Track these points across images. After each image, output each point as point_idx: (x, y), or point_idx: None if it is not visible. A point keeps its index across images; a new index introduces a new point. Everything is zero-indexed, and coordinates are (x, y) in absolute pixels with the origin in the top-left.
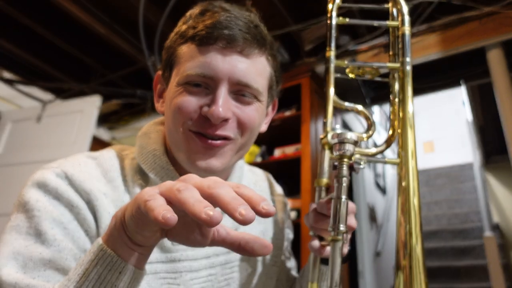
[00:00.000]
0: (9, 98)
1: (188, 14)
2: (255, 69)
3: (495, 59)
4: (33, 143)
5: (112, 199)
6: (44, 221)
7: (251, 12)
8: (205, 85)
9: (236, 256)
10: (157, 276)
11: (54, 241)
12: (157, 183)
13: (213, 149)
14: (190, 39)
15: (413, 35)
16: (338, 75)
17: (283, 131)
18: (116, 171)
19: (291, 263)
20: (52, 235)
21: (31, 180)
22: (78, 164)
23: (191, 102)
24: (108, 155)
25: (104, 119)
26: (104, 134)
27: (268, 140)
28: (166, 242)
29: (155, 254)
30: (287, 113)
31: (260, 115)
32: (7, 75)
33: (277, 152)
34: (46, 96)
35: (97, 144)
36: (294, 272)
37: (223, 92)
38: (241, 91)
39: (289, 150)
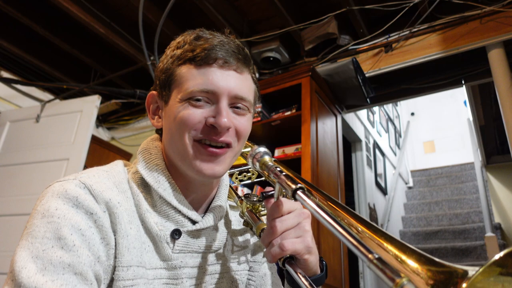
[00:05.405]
0: (8, 98)
1: (179, 40)
2: (246, 84)
3: (496, 59)
4: (32, 143)
5: (125, 208)
6: (63, 227)
7: (233, 37)
8: (206, 99)
9: (222, 268)
10: (161, 282)
11: (73, 246)
12: (158, 194)
13: (216, 157)
14: (189, 61)
15: (413, 34)
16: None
17: (283, 131)
18: (126, 183)
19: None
20: (71, 241)
21: (49, 192)
22: (93, 175)
23: (196, 114)
24: (117, 168)
25: (104, 119)
26: (103, 134)
27: (268, 140)
28: (166, 250)
29: (159, 261)
30: (287, 113)
31: (250, 125)
32: (6, 74)
33: (277, 152)
34: (45, 96)
35: (96, 144)
36: None
37: (224, 105)
38: (237, 103)
39: (289, 150)
